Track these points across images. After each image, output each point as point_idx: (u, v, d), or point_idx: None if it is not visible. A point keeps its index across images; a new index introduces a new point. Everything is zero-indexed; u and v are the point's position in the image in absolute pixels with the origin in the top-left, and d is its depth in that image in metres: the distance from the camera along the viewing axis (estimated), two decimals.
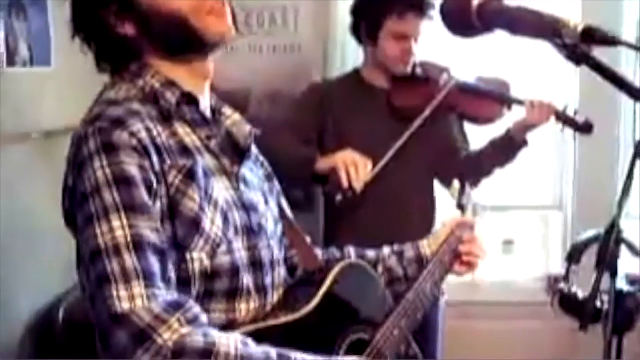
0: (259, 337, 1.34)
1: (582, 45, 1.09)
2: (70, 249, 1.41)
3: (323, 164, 2.52)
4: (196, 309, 1.28)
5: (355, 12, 2.74)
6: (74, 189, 1.33)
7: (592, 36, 1.09)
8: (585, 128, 2.68)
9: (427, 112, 2.67)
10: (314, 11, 3.29)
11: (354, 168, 2.43)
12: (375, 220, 2.66)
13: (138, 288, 1.24)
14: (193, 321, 1.25)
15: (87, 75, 2.60)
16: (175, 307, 1.25)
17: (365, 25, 2.69)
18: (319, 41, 3.29)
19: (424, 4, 2.60)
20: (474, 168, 2.70)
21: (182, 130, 1.42)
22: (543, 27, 1.13)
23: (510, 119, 2.74)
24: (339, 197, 2.48)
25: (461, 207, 1.93)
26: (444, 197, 2.85)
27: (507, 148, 2.69)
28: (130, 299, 1.23)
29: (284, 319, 1.42)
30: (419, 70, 2.74)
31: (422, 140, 2.67)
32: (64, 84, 2.60)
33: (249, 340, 1.30)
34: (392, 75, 2.72)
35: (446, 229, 1.82)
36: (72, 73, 2.64)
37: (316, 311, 1.45)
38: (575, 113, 2.67)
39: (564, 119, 2.66)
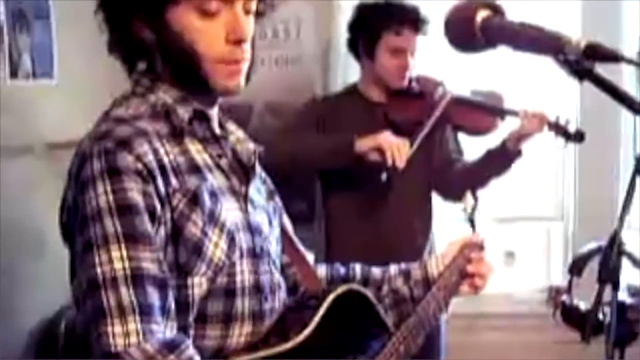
0: None
1: (585, 61, 1.10)
2: None
3: (365, 144, 2.59)
4: (190, 350, 1.26)
5: (353, 27, 2.80)
6: (75, 206, 1.31)
7: (595, 52, 1.10)
8: (576, 137, 2.72)
9: (432, 120, 2.73)
10: (316, 23, 3.30)
11: (397, 147, 2.54)
12: (377, 230, 2.73)
13: (133, 324, 1.22)
14: None
15: (89, 87, 2.63)
16: (169, 348, 1.23)
17: (363, 41, 2.76)
18: (320, 53, 3.30)
19: (419, 20, 2.69)
20: (470, 178, 2.75)
21: (193, 147, 1.39)
22: (546, 43, 1.13)
23: (505, 130, 2.78)
24: (384, 175, 2.59)
25: (472, 222, 1.91)
26: (442, 210, 2.90)
27: (502, 158, 2.73)
28: (125, 336, 1.21)
29: (275, 348, 1.38)
30: (414, 85, 2.80)
31: (419, 152, 2.71)
32: (66, 96, 2.61)
33: None
34: (389, 90, 2.78)
35: (454, 248, 1.75)
36: (75, 86, 2.66)
37: (310, 339, 1.41)
38: (567, 123, 2.72)
39: (556, 128, 2.71)
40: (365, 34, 2.74)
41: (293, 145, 2.63)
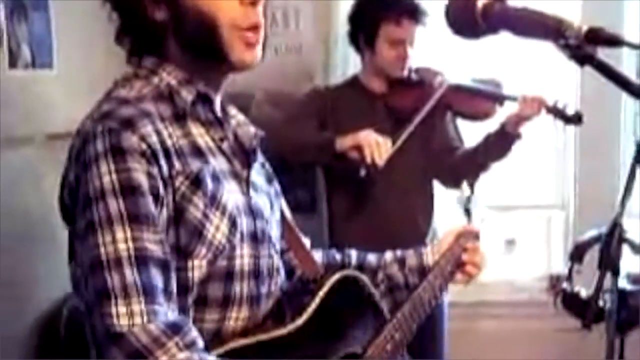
0: (249, 351, 1.33)
1: (586, 46, 1.10)
2: None
3: (345, 142, 2.61)
4: (194, 332, 1.26)
5: (353, 20, 2.84)
6: (77, 186, 1.30)
7: (596, 36, 1.09)
8: (574, 119, 2.75)
9: (426, 108, 2.77)
10: (315, 12, 3.31)
11: (377, 145, 2.55)
12: (380, 217, 2.76)
13: (137, 305, 1.21)
14: (190, 346, 1.23)
15: (88, 78, 2.63)
16: (174, 329, 1.22)
17: (363, 33, 2.80)
18: (320, 42, 3.31)
19: (418, 11, 2.73)
20: (471, 164, 2.79)
21: (196, 130, 1.39)
22: (547, 28, 1.13)
23: (504, 115, 2.81)
24: (362, 172, 2.61)
25: (468, 212, 1.92)
26: (443, 197, 2.92)
27: (501, 142, 2.75)
28: (129, 316, 1.20)
29: (273, 332, 1.39)
30: (414, 75, 2.84)
31: (419, 140, 2.76)
32: (66, 86, 2.61)
33: None
34: (389, 80, 2.82)
35: (450, 237, 1.77)
36: (74, 76, 2.66)
37: (307, 324, 1.42)
38: (565, 106, 2.74)
39: (555, 111, 2.74)
40: (365, 26, 2.78)
41: (290, 136, 2.65)
